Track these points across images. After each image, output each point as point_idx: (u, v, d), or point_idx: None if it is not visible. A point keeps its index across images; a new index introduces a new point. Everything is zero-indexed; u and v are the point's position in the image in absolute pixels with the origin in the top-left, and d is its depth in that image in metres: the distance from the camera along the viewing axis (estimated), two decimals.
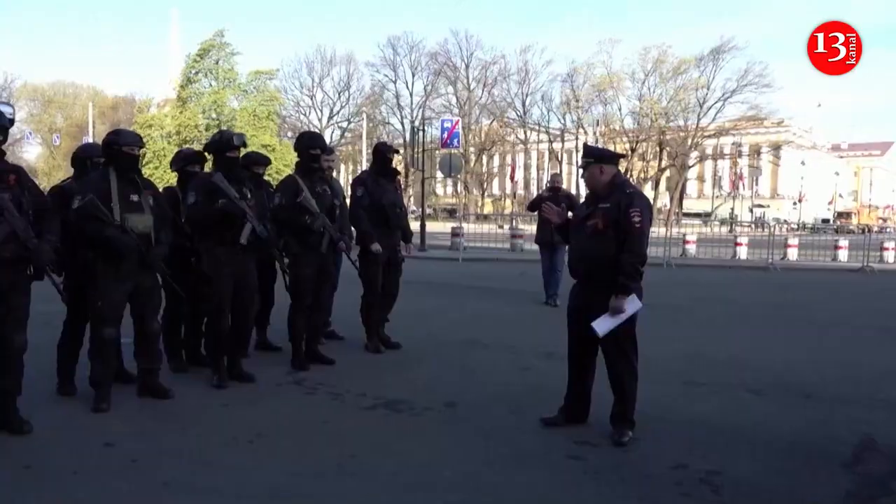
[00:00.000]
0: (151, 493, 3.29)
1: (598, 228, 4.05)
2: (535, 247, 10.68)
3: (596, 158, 4.24)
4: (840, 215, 53.33)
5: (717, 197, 59.83)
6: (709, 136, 54.68)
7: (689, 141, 53.33)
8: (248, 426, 4.24)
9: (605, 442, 4.06)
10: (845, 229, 35.09)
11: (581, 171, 4.32)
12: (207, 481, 3.43)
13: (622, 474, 3.62)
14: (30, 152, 63.20)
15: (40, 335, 4.68)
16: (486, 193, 62.99)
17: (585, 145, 4.48)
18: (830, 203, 68.22)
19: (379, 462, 3.73)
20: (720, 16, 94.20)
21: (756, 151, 59.99)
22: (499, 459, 3.81)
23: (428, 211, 36.84)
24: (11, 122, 4.13)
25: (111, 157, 4.57)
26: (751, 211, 55.80)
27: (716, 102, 52.06)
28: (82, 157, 5.05)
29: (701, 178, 64.37)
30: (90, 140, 34.74)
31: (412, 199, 50.84)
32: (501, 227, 29.62)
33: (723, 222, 35.76)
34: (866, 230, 26.59)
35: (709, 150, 57.70)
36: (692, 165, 56.84)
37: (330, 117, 59.09)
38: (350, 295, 6.84)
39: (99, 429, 4.12)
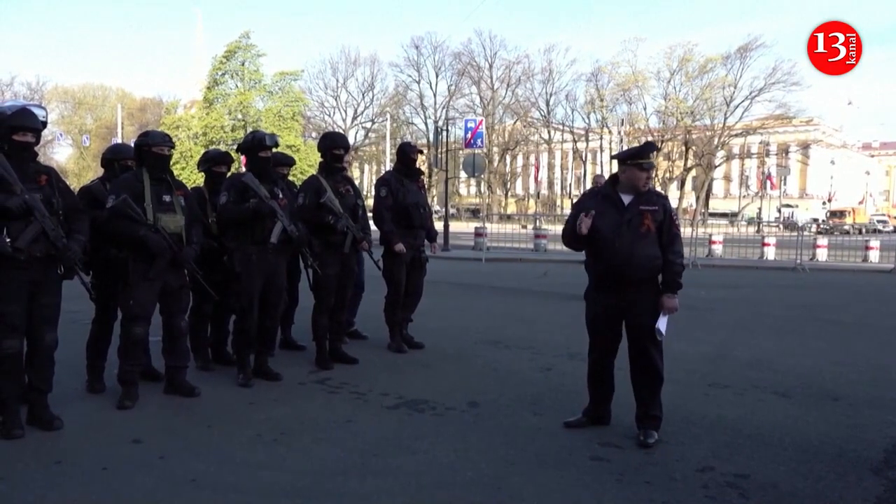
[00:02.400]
0: (178, 490, 3.34)
1: (650, 230, 4.07)
2: (558, 247, 10.64)
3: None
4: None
5: (744, 197, 58.95)
6: (736, 136, 53.94)
7: (716, 140, 52.68)
8: (273, 424, 4.29)
9: (629, 444, 4.04)
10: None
11: (647, 169, 4.09)
12: (233, 478, 3.48)
13: (647, 476, 3.60)
14: (60, 153, 64.48)
15: (70, 333, 4.78)
16: (509, 193, 62.85)
17: (651, 143, 4.28)
18: (860, 203, 66.86)
19: (401, 462, 3.75)
20: (748, 13, 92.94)
21: (784, 150, 59.00)
22: (522, 460, 3.80)
23: (451, 211, 36.85)
24: (44, 124, 4.22)
25: (142, 157, 4.66)
26: (778, 211, 54.67)
27: (743, 101, 51.47)
28: (110, 158, 5.15)
29: (728, 178, 63.57)
30: (119, 141, 35.32)
31: (435, 198, 50.86)
32: (525, 227, 29.60)
33: (749, 222, 35.02)
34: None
35: (735, 150, 56.90)
36: (718, 165, 56.13)
37: (354, 118, 59.47)
38: (374, 294, 6.88)
39: (127, 425, 4.20)
